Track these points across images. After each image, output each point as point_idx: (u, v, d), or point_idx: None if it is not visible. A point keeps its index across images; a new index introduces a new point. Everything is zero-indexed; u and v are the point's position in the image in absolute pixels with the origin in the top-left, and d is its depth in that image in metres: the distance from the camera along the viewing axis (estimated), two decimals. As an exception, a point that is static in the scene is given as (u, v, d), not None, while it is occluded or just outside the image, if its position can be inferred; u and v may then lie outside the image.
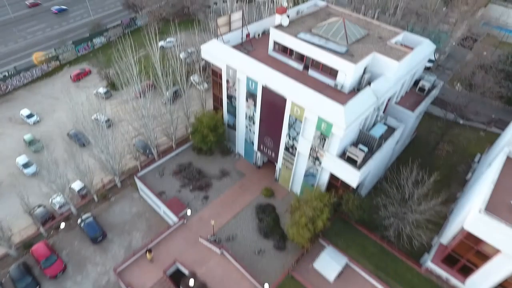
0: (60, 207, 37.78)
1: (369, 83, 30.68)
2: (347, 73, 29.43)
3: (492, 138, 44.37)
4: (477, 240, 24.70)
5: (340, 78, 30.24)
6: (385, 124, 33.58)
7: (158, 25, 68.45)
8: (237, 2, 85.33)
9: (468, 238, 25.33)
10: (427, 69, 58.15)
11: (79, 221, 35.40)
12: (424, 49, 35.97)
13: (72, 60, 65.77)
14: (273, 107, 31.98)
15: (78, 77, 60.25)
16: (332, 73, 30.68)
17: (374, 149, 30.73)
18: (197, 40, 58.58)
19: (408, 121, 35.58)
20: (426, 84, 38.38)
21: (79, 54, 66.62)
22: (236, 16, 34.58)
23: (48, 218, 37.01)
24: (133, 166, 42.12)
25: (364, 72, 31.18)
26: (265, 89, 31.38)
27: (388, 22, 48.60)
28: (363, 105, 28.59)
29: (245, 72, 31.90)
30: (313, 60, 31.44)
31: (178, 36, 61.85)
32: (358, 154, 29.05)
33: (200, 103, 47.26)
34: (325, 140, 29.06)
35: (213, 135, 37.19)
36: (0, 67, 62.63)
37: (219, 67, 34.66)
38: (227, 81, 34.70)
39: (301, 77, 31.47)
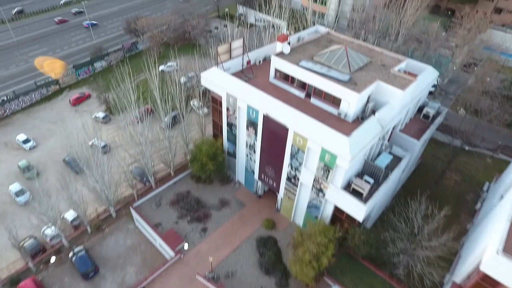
0: (51, 239, 35.99)
1: (373, 112, 29.80)
2: (351, 102, 28.58)
3: (499, 166, 43.11)
4: (495, 282, 22.96)
5: (343, 107, 29.36)
6: (390, 153, 32.46)
7: (159, 49, 68.90)
8: (237, 27, 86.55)
9: (485, 280, 23.58)
10: (429, 93, 57.69)
11: (70, 254, 33.58)
12: (427, 76, 35.40)
13: (72, 84, 65.53)
14: (274, 136, 30.95)
15: (77, 101, 59.75)
16: (335, 101, 29.84)
17: (380, 180, 29.42)
18: (197, 65, 58.61)
19: (413, 149, 34.42)
20: (430, 111, 37.51)
21: (80, 78, 66.50)
22: (237, 44, 34.20)
23: (39, 251, 35.17)
24: (129, 195, 40.65)
25: (368, 101, 30.36)
26: (266, 118, 30.46)
27: (390, 48, 48.37)
28: (368, 135, 27.54)
29: (246, 100, 31.10)
30: (315, 88, 30.69)
31: (178, 61, 62.03)
32: (363, 186, 27.73)
33: (200, 129, 46.34)
34: (329, 171, 27.81)
35: (213, 164, 36.00)
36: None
37: (219, 95, 33.92)
38: (227, 109, 33.86)
39: (303, 105, 30.64)
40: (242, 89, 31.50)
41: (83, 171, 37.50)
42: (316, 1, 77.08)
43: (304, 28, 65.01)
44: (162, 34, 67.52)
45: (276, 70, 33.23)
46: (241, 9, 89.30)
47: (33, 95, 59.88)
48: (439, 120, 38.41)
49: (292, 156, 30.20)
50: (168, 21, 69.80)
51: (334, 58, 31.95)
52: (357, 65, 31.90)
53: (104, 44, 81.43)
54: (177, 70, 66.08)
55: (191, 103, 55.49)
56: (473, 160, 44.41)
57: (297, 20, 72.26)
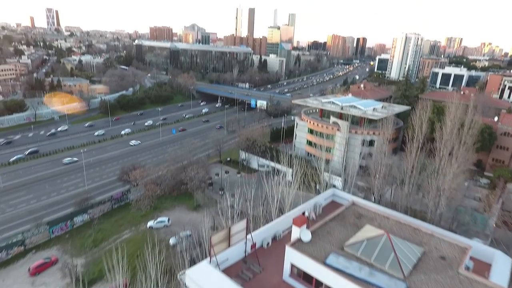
0: None
1: None
2: (421, 338, 17.58)
3: None
4: None
5: None
6: None
7: (151, 201, 61.36)
8: (238, 173, 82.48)
9: None
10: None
11: None
12: (502, 269, 25.32)
13: (41, 244, 55.02)
14: None
15: (38, 270, 47.99)
16: (391, 330, 18.82)
17: None
18: (192, 220, 49.86)
19: None
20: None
21: (53, 236, 56.51)
22: (239, 227, 25.59)
23: None
24: None
25: (441, 327, 19.36)
26: None
27: (428, 218, 39.38)
28: None
29: (250, 325, 20.10)
30: (355, 303, 20.16)
31: (171, 214, 53.64)
32: None
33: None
34: None
35: None
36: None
37: (210, 305, 23.07)
38: (221, 329, 22.38)
39: (339, 330, 19.47)
40: (244, 304, 20.93)
41: None
42: (327, 150, 74.67)
43: (311, 176, 59.13)
44: (156, 186, 61.32)
45: (293, 266, 23.47)
46: (243, 155, 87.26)
47: (-14, 261, 48.75)
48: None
49: None
50: (164, 173, 64.89)
51: (375, 251, 22.63)
52: (410, 262, 22.25)
53: (96, 190, 75.58)
54: (168, 226, 57.13)
55: (178, 277, 43.69)
56: None
57: (302, 167, 67.79)
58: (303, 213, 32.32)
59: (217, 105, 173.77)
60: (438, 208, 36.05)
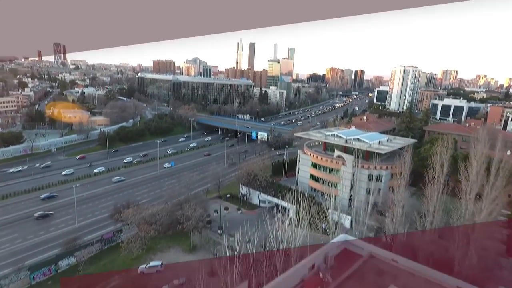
0: None
1: None
2: None
3: None
4: None
5: None
6: None
7: (144, 243, 56.47)
8: (238, 210, 77.97)
9: None
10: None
11: None
12: None
13: (20, 292, 49.84)
14: None
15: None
16: None
17: None
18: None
19: None
20: None
21: (33, 282, 51.22)
22: (238, 290, 21.51)
23: None
24: None
25: None
26: None
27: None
28: None
29: None
30: None
31: (166, 256, 48.87)
32: None
33: None
34: None
35: None
36: None
37: None
38: None
39: None
40: None
41: None
42: (329, 185, 70.79)
43: (318, 216, 54.77)
44: (149, 226, 56.83)
45: None
46: (244, 190, 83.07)
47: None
48: None
49: None
50: (159, 211, 60.61)
51: (407, 324, 18.38)
52: None
53: (87, 227, 70.83)
54: (160, 271, 51.99)
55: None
56: None
57: (307, 204, 63.57)
58: (313, 266, 28.13)
59: (206, 139, 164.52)
60: (468, 259, 31.72)
